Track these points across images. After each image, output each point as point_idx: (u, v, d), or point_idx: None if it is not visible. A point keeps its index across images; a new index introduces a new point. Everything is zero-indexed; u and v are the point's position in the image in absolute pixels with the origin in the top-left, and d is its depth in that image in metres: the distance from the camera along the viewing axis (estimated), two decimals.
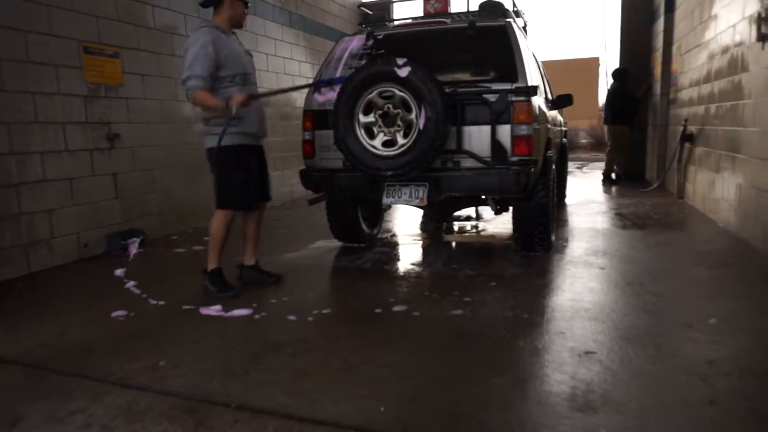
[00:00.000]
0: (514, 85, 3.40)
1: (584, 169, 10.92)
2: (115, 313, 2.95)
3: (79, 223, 4.23)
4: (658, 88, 7.65)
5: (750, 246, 3.97)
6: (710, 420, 1.78)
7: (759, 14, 3.94)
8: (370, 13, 4.98)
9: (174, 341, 2.57)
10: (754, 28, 4.05)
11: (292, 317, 2.82)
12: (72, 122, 4.14)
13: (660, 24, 7.56)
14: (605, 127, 8.86)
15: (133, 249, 4.38)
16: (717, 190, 4.98)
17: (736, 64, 4.49)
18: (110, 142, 4.47)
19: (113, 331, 2.73)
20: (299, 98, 4.71)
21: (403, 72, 3.26)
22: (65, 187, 4.10)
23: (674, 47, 7.04)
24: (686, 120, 6.11)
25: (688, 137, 5.99)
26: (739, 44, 4.41)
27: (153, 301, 3.15)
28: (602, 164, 8.99)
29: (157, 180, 5.00)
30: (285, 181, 6.78)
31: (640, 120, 8.28)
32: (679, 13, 6.84)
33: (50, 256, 4.00)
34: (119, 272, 3.77)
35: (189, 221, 5.31)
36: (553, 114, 4.85)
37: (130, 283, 3.51)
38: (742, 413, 1.81)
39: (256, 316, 2.87)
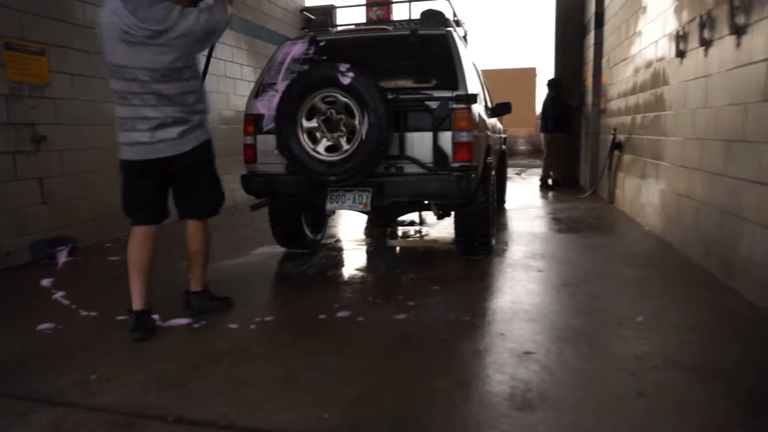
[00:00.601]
0: (455, 93, 3.48)
1: (523, 175, 11.31)
2: (41, 326, 2.76)
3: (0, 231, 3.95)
4: (589, 98, 8.05)
5: (672, 248, 4.23)
6: (639, 412, 1.88)
7: (677, 32, 4.23)
8: (313, 18, 4.95)
9: (106, 354, 2.45)
10: (673, 44, 4.34)
11: (233, 325, 2.75)
12: None
13: (591, 38, 7.96)
14: (542, 135, 9.24)
15: (62, 257, 4.13)
16: (643, 195, 5.28)
17: (658, 78, 4.79)
18: (36, 144, 4.21)
19: (39, 346, 2.56)
20: (240, 102, 4.61)
21: (346, 78, 3.27)
22: None
23: (604, 60, 7.43)
24: (615, 129, 6.45)
25: (617, 145, 6.32)
26: (661, 59, 4.71)
27: (83, 312, 2.99)
28: (540, 170, 9.36)
29: (89, 185, 4.75)
30: (226, 186, 6.58)
31: (574, 128, 8.68)
32: (607, 28, 7.23)
33: None
34: (46, 282, 3.55)
35: (124, 228, 4.98)
36: (493, 121, 5.00)
37: (58, 294, 3.30)
38: (668, 404, 1.92)
39: (195, 326, 2.78)
